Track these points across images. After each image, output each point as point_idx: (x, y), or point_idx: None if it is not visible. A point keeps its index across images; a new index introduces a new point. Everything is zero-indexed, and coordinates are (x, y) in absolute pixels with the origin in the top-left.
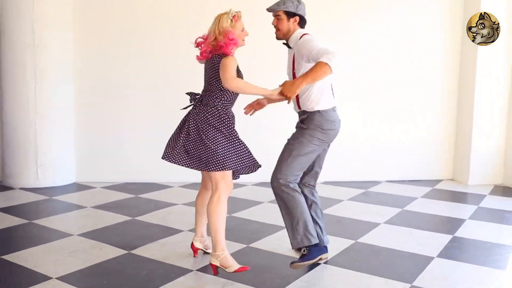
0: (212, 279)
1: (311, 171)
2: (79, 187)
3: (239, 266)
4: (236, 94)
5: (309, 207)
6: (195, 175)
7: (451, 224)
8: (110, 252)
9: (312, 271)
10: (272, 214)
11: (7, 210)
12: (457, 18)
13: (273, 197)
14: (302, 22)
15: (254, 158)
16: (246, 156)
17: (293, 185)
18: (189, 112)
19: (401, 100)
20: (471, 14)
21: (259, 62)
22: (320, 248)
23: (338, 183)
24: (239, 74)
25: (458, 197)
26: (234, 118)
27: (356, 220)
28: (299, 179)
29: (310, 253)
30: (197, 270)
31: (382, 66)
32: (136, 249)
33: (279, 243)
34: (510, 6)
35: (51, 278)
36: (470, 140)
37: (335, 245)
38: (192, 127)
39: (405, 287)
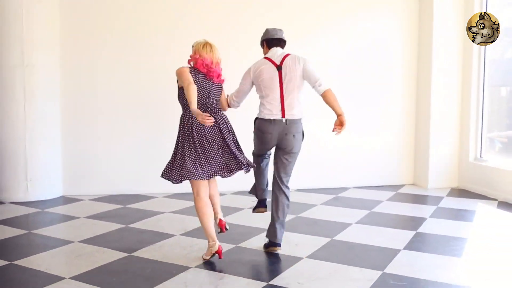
0: (210, 274)
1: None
2: (67, 200)
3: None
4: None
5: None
6: (177, 186)
7: (414, 222)
8: (113, 255)
9: (296, 264)
10: (254, 218)
11: (4, 222)
12: (413, 36)
13: (251, 204)
14: (274, 43)
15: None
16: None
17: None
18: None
19: (366, 114)
20: (426, 26)
21: None
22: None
23: (311, 190)
24: None
25: (419, 199)
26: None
27: (330, 221)
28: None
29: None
30: (195, 267)
31: (347, 82)
32: (136, 251)
33: (264, 243)
34: (459, 20)
35: (65, 278)
36: (428, 149)
37: (314, 242)
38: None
39: (377, 273)
